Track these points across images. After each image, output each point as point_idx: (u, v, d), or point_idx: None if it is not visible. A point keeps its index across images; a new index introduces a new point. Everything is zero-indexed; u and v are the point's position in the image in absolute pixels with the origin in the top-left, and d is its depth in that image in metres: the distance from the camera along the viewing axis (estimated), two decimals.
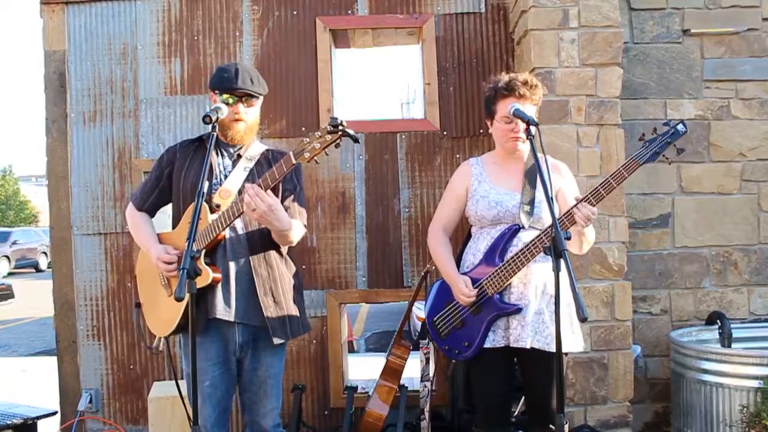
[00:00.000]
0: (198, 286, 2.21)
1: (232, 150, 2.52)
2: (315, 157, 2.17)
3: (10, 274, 18.19)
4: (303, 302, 2.63)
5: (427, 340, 3.31)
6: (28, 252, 20.19)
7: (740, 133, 3.84)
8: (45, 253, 19.70)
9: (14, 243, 19.60)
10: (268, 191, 2.25)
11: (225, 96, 2.44)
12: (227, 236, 2.41)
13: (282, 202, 2.44)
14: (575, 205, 2.37)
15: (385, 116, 13.68)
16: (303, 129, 3.85)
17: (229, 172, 2.48)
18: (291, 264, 2.60)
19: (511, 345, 2.47)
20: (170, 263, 2.42)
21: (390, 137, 3.89)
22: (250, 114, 2.50)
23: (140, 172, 3.85)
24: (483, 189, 2.59)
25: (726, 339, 3.49)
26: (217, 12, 3.91)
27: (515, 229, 2.51)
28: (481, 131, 3.85)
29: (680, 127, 2.39)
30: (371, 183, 3.87)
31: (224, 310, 2.40)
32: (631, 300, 3.48)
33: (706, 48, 3.85)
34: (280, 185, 2.45)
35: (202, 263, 2.30)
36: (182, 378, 2.88)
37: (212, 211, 2.37)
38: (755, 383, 3.05)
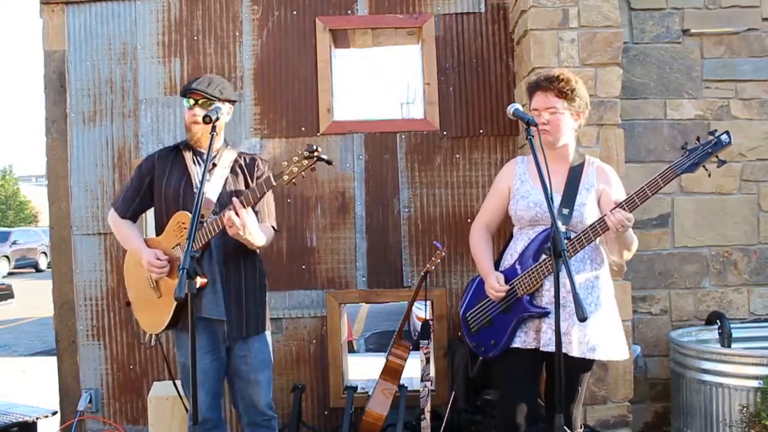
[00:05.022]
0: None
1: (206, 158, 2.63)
2: (293, 180, 2.39)
3: (9, 274, 18.19)
4: (265, 299, 2.80)
5: (427, 341, 3.31)
6: (28, 252, 20.17)
7: (740, 133, 3.83)
8: (45, 253, 19.66)
9: (14, 243, 19.59)
10: (247, 209, 2.45)
11: (185, 100, 2.66)
12: (212, 243, 2.59)
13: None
14: (606, 214, 2.34)
15: (385, 116, 13.69)
16: (303, 129, 3.85)
17: (207, 181, 2.62)
18: (260, 267, 2.78)
19: (541, 349, 2.46)
20: (162, 267, 2.61)
21: (390, 137, 3.89)
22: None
23: None
24: (524, 189, 2.59)
25: (726, 339, 3.49)
26: (217, 12, 3.91)
27: (551, 232, 2.49)
28: (481, 131, 3.86)
29: (724, 137, 2.27)
30: (371, 183, 3.87)
31: (213, 311, 2.60)
32: (631, 300, 3.48)
33: (706, 48, 3.85)
34: (252, 184, 2.68)
35: None
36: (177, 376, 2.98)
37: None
38: (755, 383, 3.05)
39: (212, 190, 2.62)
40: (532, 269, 2.46)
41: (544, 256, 2.45)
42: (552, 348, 2.40)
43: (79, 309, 3.86)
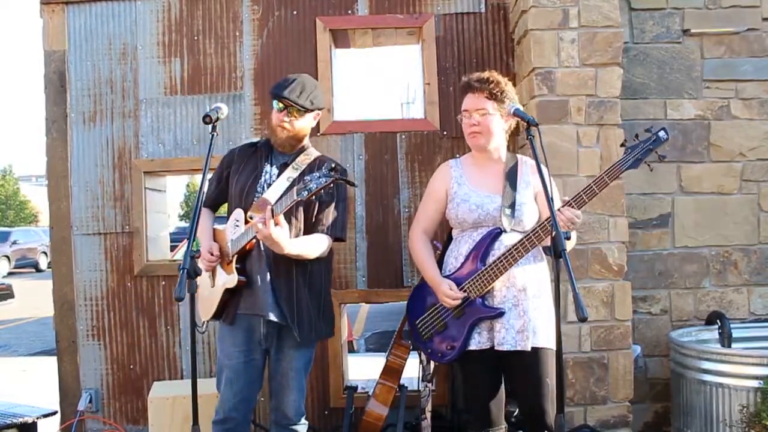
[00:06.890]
0: (228, 287, 2.56)
1: (281, 158, 2.68)
2: (312, 196, 2.36)
3: (10, 274, 18.19)
4: (321, 308, 2.70)
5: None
6: (28, 252, 20.19)
7: (740, 133, 3.84)
8: (45, 253, 19.69)
9: (14, 243, 19.60)
10: (277, 218, 2.38)
11: (275, 102, 2.63)
12: (259, 243, 2.56)
13: (317, 213, 2.60)
14: (554, 211, 2.36)
15: (385, 116, 13.71)
16: None
17: (273, 181, 2.62)
18: (316, 277, 2.68)
19: (495, 348, 2.47)
20: (210, 262, 2.62)
21: (390, 137, 3.89)
22: (295, 124, 2.63)
23: (140, 172, 3.86)
24: (463, 192, 2.59)
25: (726, 339, 3.49)
26: (217, 12, 3.91)
27: (497, 233, 2.50)
28: None
29: (662, 134, 2.38)
30: (371, 183, 3.87)
31: (252, 307, 2.57)
32: (631, 300, 3.48)
33: (706, 48, 3.85)
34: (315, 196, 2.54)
35: (233, 268, 2.56)
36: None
37: (246, 222, 2.56)
38: (755, 383, 3.05)
39: (274, 192, 2.57)
40: (483, 271, 2.46)
41: (492, 258, 2.46)
42: (507, 347, 2.44)
43: (79, 309, 3.86)
